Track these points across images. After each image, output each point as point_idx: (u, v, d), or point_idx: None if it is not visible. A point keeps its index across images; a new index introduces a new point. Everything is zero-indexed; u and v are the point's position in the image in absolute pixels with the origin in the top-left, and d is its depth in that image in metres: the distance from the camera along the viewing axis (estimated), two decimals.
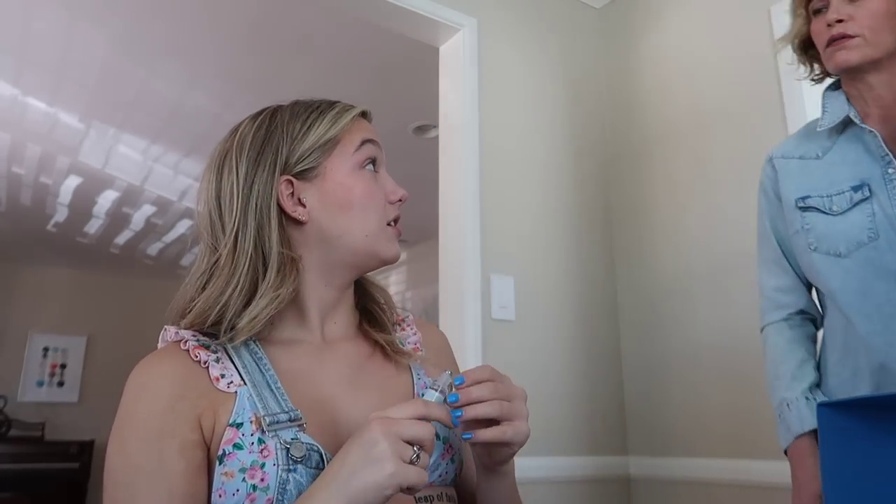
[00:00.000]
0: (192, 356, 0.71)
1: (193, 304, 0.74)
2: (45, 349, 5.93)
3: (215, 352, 0.72)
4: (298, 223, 0.77)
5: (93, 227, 5.10)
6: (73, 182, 4.25)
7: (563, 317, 2.00)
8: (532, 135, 2.10)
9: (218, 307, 0.72)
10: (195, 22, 2.63)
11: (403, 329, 0.87)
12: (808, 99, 1.73)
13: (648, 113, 2.16)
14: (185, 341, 0.73)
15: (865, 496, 0.79)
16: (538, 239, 2.01)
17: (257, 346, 0.75)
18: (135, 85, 3.12)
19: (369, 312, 0.85)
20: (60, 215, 4.85)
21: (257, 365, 0.72)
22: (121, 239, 5.41)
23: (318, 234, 0.77)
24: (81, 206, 4.64)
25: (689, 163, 2.00)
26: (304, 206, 0.77)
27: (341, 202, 0.77)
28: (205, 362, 0.71)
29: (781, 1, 1.81)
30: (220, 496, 0.64)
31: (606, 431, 1.98)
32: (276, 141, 0.78)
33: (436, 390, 0.66)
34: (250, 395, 0.69)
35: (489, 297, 1.83)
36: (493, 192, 1.93)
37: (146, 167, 4.03)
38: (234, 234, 0.74)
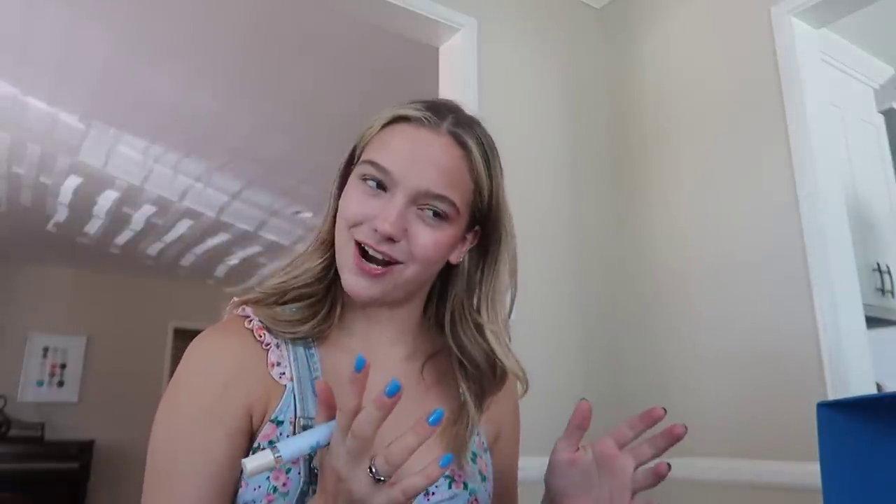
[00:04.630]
0: (256, 336, 0.71)
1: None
2: (45, 349, 5.93)
3: (276, 337, 0.72)
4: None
5: (93, 227, 5.10)
6: (73, 182, 4.25)
7: (563, 317, 2.00)
8: (532, 134, 2.10)
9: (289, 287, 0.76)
10: (196, 22, 2.63)
11: None
12: (808, 99, 1.73)
13: (648, 113, 2.15)
14: (251, 319, 0.72)
15: (865, 496, 0.79)
16: (538, 239, 2.01)
17: (313, 343, 0.74)
18: (135, 85, 3.12)
19: (466, 376, 0.78)
20: (60, 215, 4.85)
21: (308, 362, 0.72)
22: (121, 239, 5.41)
23: None
24: (81, 206, 4.64)
25: (689, 162, 2.00)
26: None
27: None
28: (267, 344, 0.71)
29: (782, 1, 1.81)
30: (241, 486, 0.65)
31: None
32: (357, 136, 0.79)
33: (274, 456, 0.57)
34: (294, 392, 0.69)
35: None
36: None
37: (146, 167, 4.03)
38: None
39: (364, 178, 0.72)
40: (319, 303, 0.75)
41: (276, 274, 0.76)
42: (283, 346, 0.72)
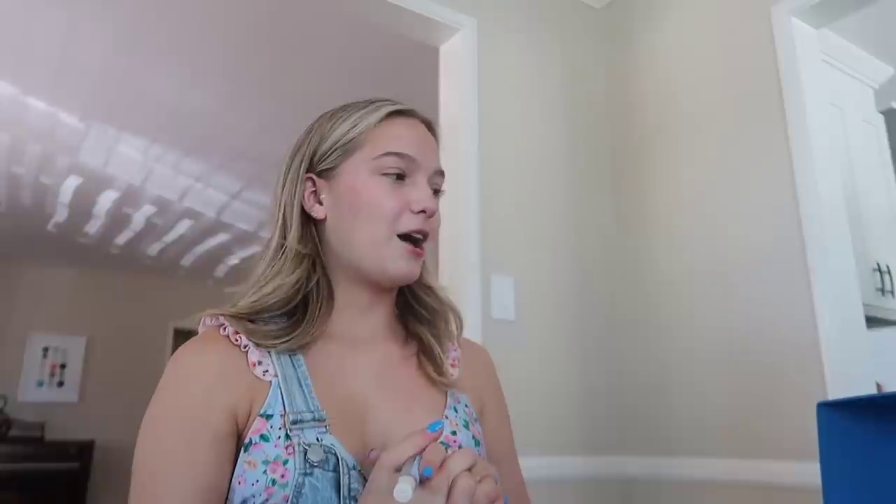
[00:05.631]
0: (233, 340, 0.72)
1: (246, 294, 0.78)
2: (45, 349, 5.93)
3: (252, 336, 0.73)
4: (322, 220, 0.79)
5: (93, 227, 5.10)
6: (73, 182, 4.25)
7: (563, 317, 2.00)
8: (532, 135, 2.10)
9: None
10: (195, 22, 2.63)
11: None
12: (808, 99, 1.73)
13: (648, 113, 2.15)
14: (225, 326, 0.73)
15: (865, 496, 0.79)
16: (538, 239, 2.01)
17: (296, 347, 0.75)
18: (135, 85, 3.12)
19: (417, 335, 0.83)
20: (60, 215, 4.85)
21: (290, 358, 0.73)
22: (121, 239, 5.41)
23: (333, 235, 0.79)
24: (81, 206, 4.64)
25: (689, 162, 2.00)
26: (321, 204, 0.79)
27: (349, 206, 0.76)
28: (245, 346, 0.72)
29: (782, 1, 1.81)
30: (239, 483, 0.65)
31: (606, 431, 1.98)
32: (309, 139, 0.81)
33: (413, 478, 0.57)
34: (281, 387, 0.70)
35: (489, 297, 1.83)
36: (493, 192, 1.93)
37: (146, 167, 4.03)
38: (273, 228, 0.80)
39: (387, 171, 0.76)
40: (295, 316, 0.76)
41: (246, 293, 0.76)
42: (262, 347, 0.73)
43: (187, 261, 6.01)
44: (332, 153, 0.78)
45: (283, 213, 0.79)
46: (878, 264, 2.23)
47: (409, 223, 0.76)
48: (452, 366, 0.84)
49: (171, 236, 5.34)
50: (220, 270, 6.24)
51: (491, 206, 1.91)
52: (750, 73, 1.86)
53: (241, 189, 4.36)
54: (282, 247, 0.78)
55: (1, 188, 4.36)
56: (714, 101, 1.95)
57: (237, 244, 5.50)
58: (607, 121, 2.29)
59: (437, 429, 0.61)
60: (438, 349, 0.81)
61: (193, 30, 2.68)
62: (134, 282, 6.40)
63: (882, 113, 2.60)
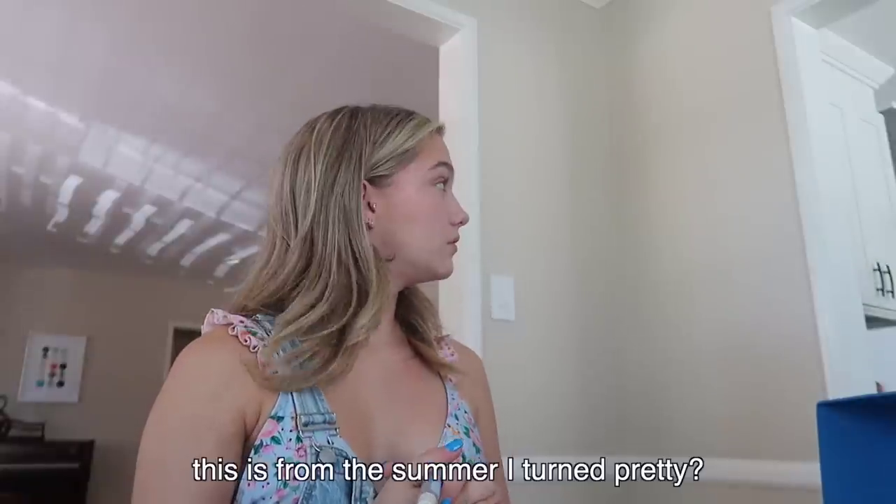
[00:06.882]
0: (242, 341, 0.71)
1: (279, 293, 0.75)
2: (45, 349, 5.93)
3: (262, 339, 0.72)
4: (367, 227, 0.77)
5: (93, 227, 5.10)
6: (73, 182, 4.25)
7: (563, 317, 2.00)
8: (532, 135, 2.10)
9: (322, 310, 0.73)
10: (195, 22, 2.63)
11: (441, 348, 0.88)
12: (808, 99, 1.73)
13: (648, 113, 2.15)
14: (233, 326, 0.73)
15: (865, 496, 0.79)
16: (538, 239, 2.01)
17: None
18: (135, 85, 3.13)
19: (411, 324, 0.86)
20: (60, 215, 4.86)
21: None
22: (121, 239, 5.41)
23: (379, 241, 0.78)
24: (81, 206, 4.64)
25: (690, 163, 2.00)
26: (373, 211, 0.78)
27: (408, 215, 0.78)
28: (254, 347, 0.71)
29: (782, 1, 1.81)
30: (249, 485, 0.65)
31: (606, 431, 1.98)
32: (358, 142, 0.78)
33: (434, 495, 0.58)
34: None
35: (489, 297, 1.83)
36: (493, 192, 1.93)
37: (146, 167, 4.03)
38: (309, 228, 0.75)
39: (438, 181, 0.82)
40: (330, 347, 0.73)
41: (288, 308, 0.73)
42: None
43: (187, 261, 6.01)
44: (387, 161, 0.78)
45: (345, 219, 0.75)
46: (877, 264, 2.23)
47: (453, 233, 0.83)
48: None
49: (171, 236, 5.34)
50: (221, 270, 6.25)
51: (491, 206, 1.91)
52: (750, 73, 1.86)
53: (241, 189, 4.36)
54: (339, 254, 0.74)
55: (1, 188, 4.36)
56: (714, 100, 1.95)
57: (237, 244, 5.50)
58: (607, 121, 2.29)
59: (455, 448, 0.63)
60: (422, 323, 0.85)
61: (193, 30, 2.68)
62: (134, 282, 6.40)
63: (882, 113, 2.60)
